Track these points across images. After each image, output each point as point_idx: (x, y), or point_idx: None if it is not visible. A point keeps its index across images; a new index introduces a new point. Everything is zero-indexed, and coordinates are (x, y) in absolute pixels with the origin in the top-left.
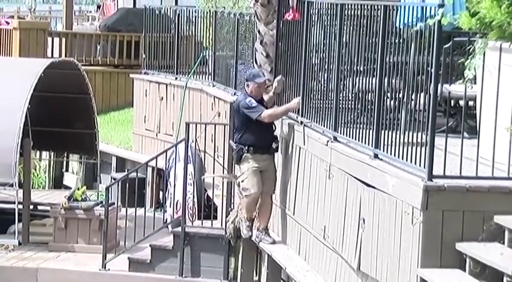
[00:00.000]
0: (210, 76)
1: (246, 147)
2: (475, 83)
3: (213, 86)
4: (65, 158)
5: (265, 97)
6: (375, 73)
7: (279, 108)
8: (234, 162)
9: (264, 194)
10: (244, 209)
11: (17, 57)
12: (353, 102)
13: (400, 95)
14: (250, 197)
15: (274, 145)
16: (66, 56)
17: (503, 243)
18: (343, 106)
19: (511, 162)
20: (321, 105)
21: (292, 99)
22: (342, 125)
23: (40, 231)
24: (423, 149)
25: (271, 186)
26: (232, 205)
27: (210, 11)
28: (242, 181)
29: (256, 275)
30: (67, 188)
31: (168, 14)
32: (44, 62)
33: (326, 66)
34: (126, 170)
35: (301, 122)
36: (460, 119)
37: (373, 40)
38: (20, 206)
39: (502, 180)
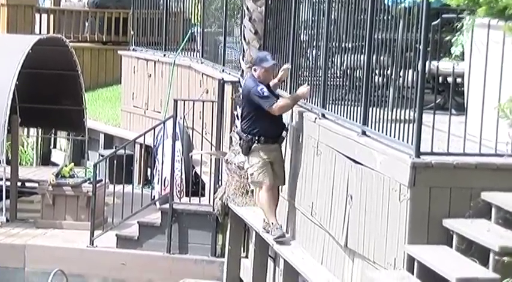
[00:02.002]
0: (198, 53)
1: (256, 138)
2: (463, 59)
3: (202, 63)
4: (52, 135)
5: (270, 83)
6: (363, 50)
7: (288, 100)
8: (242, 153)
9: (274, 186)
10: (266, 212)
11: (4, 33)
12: (341, 79)
13: (388, 72)
14: (264, 193)
15: (284, 134)
16: (54, 32)
17: (490, 219)
18: (331, 83)
19: (499, 139)
20: (309, 82)
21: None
22: (330, 102)
23: (28, 208)
24: (411, 125)
25: (282, 178)
26: (220, 182)
27: None
28: (252, 174)
29: (243, 251)
30: (55, 164)
31: None
32: (31, 38)
33: (314, 43)
34: (114, 147)
35: None
36: (448, 96)
37: (362, 17)
38: (8, 183)
39: (490, 156)
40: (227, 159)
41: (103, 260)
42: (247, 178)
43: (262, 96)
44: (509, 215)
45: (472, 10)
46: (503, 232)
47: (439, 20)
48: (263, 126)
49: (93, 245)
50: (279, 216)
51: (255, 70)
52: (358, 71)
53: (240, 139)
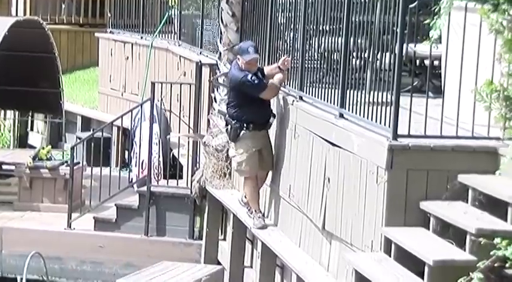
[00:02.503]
0: (175, 35)
1: (245, 125)
2: (440, 42)
3: (179, 45)
4: (29, 117)
5: (267, 69)
6: (341, 33)
7: (273, 81)
8: (230, 139)
9: (261, 172)
10: (249, 200)
11: None
12: (319, 62)
13: (366, 55)
14: (249, 181)
15: (271, 120)
16: (30, 14)
17: (467, 202)
18: (309, 66)
19: (475, 121)
20: (285, 64)
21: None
22: (308, 84)
23: (4, 190)
24: (388, 108)
25: (269, 164)
26: (198, 164)
27: None
28: (238, 163)
29: (221, 234)
30: (32, 147)
31: None
32: (8, 20)
33: (292, 26)
34: (91, 130)
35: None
36: (425, 79)
37: None
38: None
39: (466, 139)
40: (205, 142)
41: (81, 242)
42: (225, 161)
43: (253, 84)
44: (486, 197)
45: None
46: (479, 214)
47: (416, 2)
48: (252, 114)
49: (70, 227)
50: (261, 203)
51: (238, 59)
52: (335, 54)
53: (227, 125)
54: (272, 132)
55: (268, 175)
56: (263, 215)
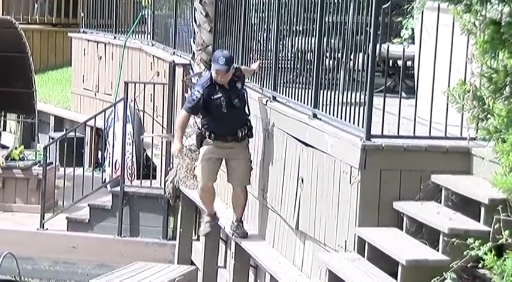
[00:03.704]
0: (149, 35)
1: (207, 133)
2: (413, 42)
3: (152, 45)
4: (2, 117)
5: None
6: (314, 33)
7: (177, 134)
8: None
9: (234, 186)
10: (202, 203)
11: None
12: (292, 62)
13: (339, 55)
14: (201, 187)
15: (240, 133)
16: (3, 14)
17: (440, 202)
18: (282, 66)
19: (448, 122)
20: (260, 65)
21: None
22: (281, 84)
23: None
24: (362, 108)
25: (240, 178)
26: (171, 165)
27: None
28: (196, 169)
29: (195, 234)
30: (4, 147)
31: None
32: None
33: (265, 26)
34: (64, 130)
35: None
36: (398, 79)
37: (312, 0)
38: None
39: (439, 139)
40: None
41: (54, 243)
42: None
43: (188, 98)
44: (459, 198)
45: None
46: (452, 214)
47: (389, 3)
48: (213, 123)
49: (43, 228)
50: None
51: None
52: (309, 54)
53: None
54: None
55: (246, 191)
56: (213, 216)
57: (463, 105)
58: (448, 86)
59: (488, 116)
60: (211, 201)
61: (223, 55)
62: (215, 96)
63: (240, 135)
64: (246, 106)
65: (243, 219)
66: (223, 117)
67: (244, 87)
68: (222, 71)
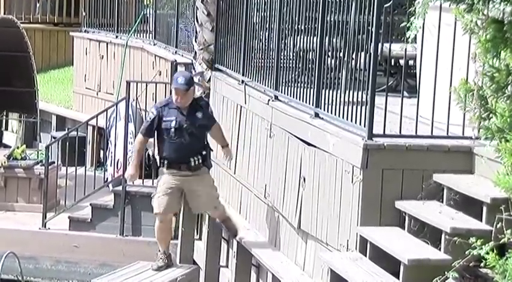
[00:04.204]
0: (151, 34)
1: (162, 160)
2: (415, 42)
3: (154, 44)
4: (4, 117)
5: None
6: (316, 32)
7: (133, 160)
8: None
9: (207, 212)
10: (156, 239)
11: None
12: (294, 62)
13: (341, 55)
14: (157, 219)
15: (193, 162)
16: (5, 13)
17: (442, 201)
18: (284, 65)
19: (450, 121)
20: (262, 64)
21: (235, 58)
22: (283, 84)
23: None
24: (363, 108)
25: (206, 203)
26: None
27: None
28: (153, 196)
29: (197, 233)
30: (6, 146)
31: None
32: None
33: (267, 25)
34: (66, 129)
35: (243, 81)
36: (400, 78)
37: None
38: None
39: (441, 139)
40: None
41: (56, 242)
42: None
43: (146, 120)
44: (461, 197)
45: None
46: (454, 214)
47: (391, 2)
48: (163, 148)
49: (45, 227)
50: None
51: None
52: (310, 53)
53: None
54: (245, 130)
55: (220, 212)
56: (167, 256)
57: (465, 104)
58: (450, 85)
59: (491, 115)
60: (166, 239)
61: (183, 75)
62: (167, 118)
63: (192, 165)
64: (204, 138)
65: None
66: (172, 142)
67: (211, 121)
68: (180, 90)
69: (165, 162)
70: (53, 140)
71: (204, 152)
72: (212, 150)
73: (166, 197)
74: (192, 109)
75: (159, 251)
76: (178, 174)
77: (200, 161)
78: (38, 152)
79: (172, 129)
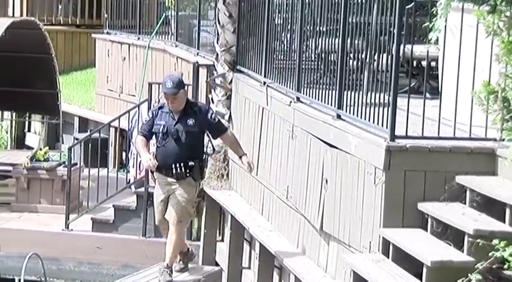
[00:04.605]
0: (172, 36)
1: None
2: (437, 43)
3: (176, 46)
4: (27, 118)
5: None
6: (338, 33)
7: (145, 153)
8: None
9: (169, 223)
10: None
11: None
12: (316, 63)
13: (363, 56)
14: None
15: (175, 169)
16: (27, 15)
17: (465, 203)
18: (306, 67)
19: (473, 123)
20: (284, 66)
21: (257, 60)
22: (305, 85)
23: (2, 191)
24: (386, 109)
25: (171, 213)
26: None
27: None
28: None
29: (219, 235)
30: (29, 148)
31: None
32: (4, 21)
33: (289, 27)
34: (88, 131)
35: (264, 83)
36: (422, 80)
37: (336, 0)
38: None
39: (464, 140)
40: None
41: (78, 243)
42: (223, 162)
43: (144, 122)
44: (483, 199)
45: None
46: (477, 215)
47: (413, 3)
48: (157, 153)
49: (68, 228)
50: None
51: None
52: (332, 55)
53: None
54: (267, 132)
55: (178, 234)
56: (170, 271)
57: (488, 106)
58: (473, 87)
59: None
60: (176, 249)
61: (171, 78)
62: (157, 122)
63: (174, 172)
64: (195, 146)
65: (171, 266)
66: (160, 146)
67: (213, 130)
68: (168, 95)
69: (156, 165)
70: (76, 141)
71: (191, 162)
72: (205, 164)
73: (161, 212)
74: (184, 114)
75: (166, 264)
76: (164, 180)
77: (183, 169)
78: (60, 154)
79: (160, 134)
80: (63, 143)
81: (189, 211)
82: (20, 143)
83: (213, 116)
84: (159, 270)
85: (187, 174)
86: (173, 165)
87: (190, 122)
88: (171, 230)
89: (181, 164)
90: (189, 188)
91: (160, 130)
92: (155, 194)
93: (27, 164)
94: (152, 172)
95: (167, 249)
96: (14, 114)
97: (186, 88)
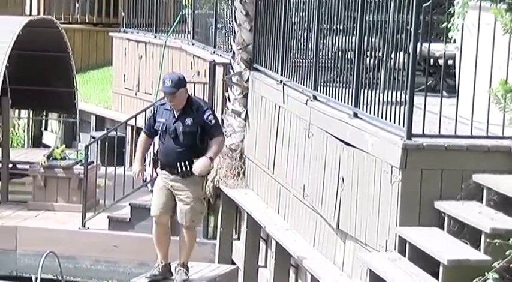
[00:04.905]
0: (189, 35)
1: (157, 161)
2: (455, 42)
3: (193, 44)
4: (43, 117)
5: None
6: (355, 32)
7: (136, 155)
8: None
9: (181, 225)
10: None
11: None
12: (332, 61)
13: (380, 54)
14: (154, 220)
15: (180, 167)
16: (44, 14)
17: (482, 201)
18: (323, 65)
19: (490, 121)
20: (301, 64)
21: (273, 58)
22: (322, 84)
23: (19, 190)
24: (402, 108)
25: (182, 218)
26: (211, 165)
27: None
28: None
29: (235, 233)
30: (46, 146)
31: None
32: (22, 20)
33: (306, 25)
34: (105, 129)
35: (281, 81)
36: (439, 78)
37: None
38: None
39: (481, 139)
40: None
41: (95, 241)
42: (239, 160)
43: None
44: (500, 197)
45: None
46: (494, 214)
47: (430, 1)
48: (159, 150)
49: (84, 227)
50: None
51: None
52: (349, 53)
53: None
54: (283, 130)
55: (192, 234)
56: (163, 266)
57: (505, 105)
58: (490, 85)
59: None
60: (164, 245)
61: (170, 77)
62: (158, 119)
63: (179, 171)
64: (195, 145)
65: (187, 265)
66: (163, 145)
67: (209, 130)
68: (167, 94)
69: (158, 162)
70: (92, 140)
71: (195, 160)
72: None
73: (159, 199)
74: (183, 113)
75: (161, 262)
76: (168, 178)
77: (188, 168)
78: (77, 152)
79: (160, 132)
80: (79, 141)
81: (199, 209)
82: (37, 141)
83: (209, 118)
84: (175, 270)
85: (192, 173)
86: (177, 164)
87: (188, 121)
88: (185, 230)
89: (186, 163)
90: (194, 186)
91: (160, 128)
92: (156, 183)
93: (44, 162)
94: (156, 168)
95: (182, 248)
96: (31, 112)
97: (186, 87)
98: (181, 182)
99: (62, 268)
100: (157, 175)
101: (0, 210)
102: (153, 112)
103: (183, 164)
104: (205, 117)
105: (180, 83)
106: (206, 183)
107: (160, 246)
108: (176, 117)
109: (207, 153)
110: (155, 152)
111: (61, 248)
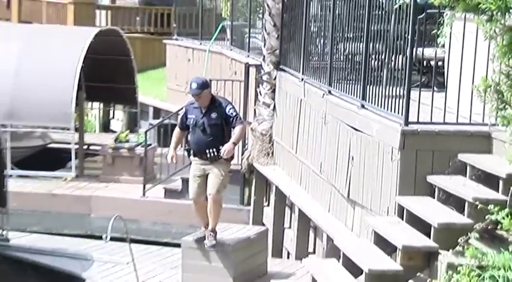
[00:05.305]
0: (228, 42)
1: (189, 150)
2: (444, 46)
3: (231, 49)
4: (111, 108)
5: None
6: (362, 39)
7: (171, 145)
8: None
9: (207, 194)
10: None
11: (72, 26)
12: (344, 63)
13: (383, 57)
14: (192, 203)
15: (208, 153)
16: (111, 25)
17: (466, 176)
18: (336, 66)
19: (472, 111)
20: (318, 65)
21: (296, 60)
22: (335, 81)
23: (92, 166)
24: (401, 100)
25: (209, 186)
26: (246, 146)
27: None
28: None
29: (266, 201)
30: (113, 132)
31: None
32: (93, 30)
33: (322, 34)
34: (160, 118)
35: (302, 79)
36: (431, 76)
37: (361, 12)
38: (76, 146)
39: (465, 125)
40: (252, 128)
41: (153, 208)
42: (269, 142)
43: (181, 115)
44: (481, 172)
45: (452, 6)
46: (475, 186)
47: (424, 14)
48: (191, 141)
49: (145, 196)
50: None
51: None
52: (358, 56)
53: None
54: (306, 120)
55: (217, 202)
56: (205, 230)
57: (485, 98)
58: (473, 82)
59: (506, 106)
60: (202, 214)
61: (195, 81)
62: (189, 116)
63: (208, 156)
64: (221, 134)
65: (216, 229)
66: (194, 136)
67: (230, 121)
68: (193, 95)
69: (191, 151)
70: (151, 126)
71: (221, 147)
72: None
73: (195, 184)
74: (208, 109)
75: (205, 228)
76: (199, 162)
77: (216, 154)
78: (138, 136)
79: (191, 126)
80: (140, 127)
81: (224, 184)
82: (106, 127)
83: (230, 111)
84: (206, 235)
85: (220, 157)
86: (206, 151)
87: (213, 115)
88: (212, 199)
89: (214, 150)
90: (222, 166)
91: (191, 123)
92: (191, 171)
93: (112, 144)
94: (189, 156)
95: (210, 216)
96: (101, 104)
97: (209, 88)
98: (211, 165)
99: (127, 229)
100: (190, 163)
101: (77, 182)
102: (184, 111)
103: (211, 150)
104: (226, 110)
105: (204, 85)
106: (230, 165)
107: (201, 217)
108: (203, 113)
109: (230, 139)
110: (188, 143)
111: (126, 212)
